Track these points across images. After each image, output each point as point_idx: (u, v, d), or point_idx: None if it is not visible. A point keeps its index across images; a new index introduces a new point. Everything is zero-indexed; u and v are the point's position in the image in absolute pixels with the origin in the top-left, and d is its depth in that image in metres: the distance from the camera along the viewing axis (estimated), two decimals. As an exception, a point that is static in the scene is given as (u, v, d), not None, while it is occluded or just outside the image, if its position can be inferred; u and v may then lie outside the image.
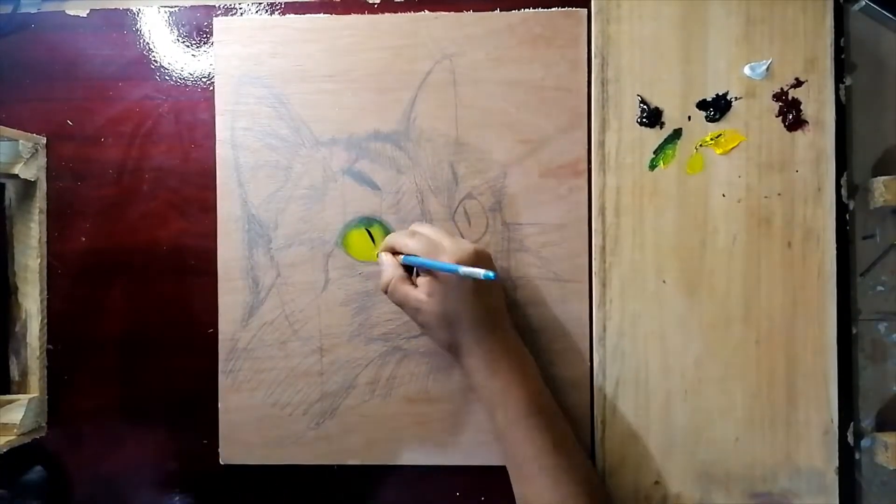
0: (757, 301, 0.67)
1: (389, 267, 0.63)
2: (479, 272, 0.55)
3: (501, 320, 0.63)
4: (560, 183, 0.69)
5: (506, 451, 0.62)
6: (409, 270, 0.64)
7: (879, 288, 0.69)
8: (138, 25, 0.72)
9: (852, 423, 0.67)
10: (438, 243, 0.61)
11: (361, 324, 0.70)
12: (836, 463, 0.66)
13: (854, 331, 0.69)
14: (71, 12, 0.72)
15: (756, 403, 0.67)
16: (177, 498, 0.71)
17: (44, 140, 0.71)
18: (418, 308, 0.61)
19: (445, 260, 0.59)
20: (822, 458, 0.66)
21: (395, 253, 0.64)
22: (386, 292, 0.64)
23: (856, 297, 0.69)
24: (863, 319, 0.69)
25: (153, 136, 0.72)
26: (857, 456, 0.68)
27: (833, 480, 0.66)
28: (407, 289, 0.62)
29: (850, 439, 0.67)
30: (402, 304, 0.63)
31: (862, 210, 0.69)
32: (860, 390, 0.69)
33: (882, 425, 0.69)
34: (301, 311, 0.70)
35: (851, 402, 0.69)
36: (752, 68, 0.66)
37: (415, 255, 0.62)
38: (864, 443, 0.69)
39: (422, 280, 0.62)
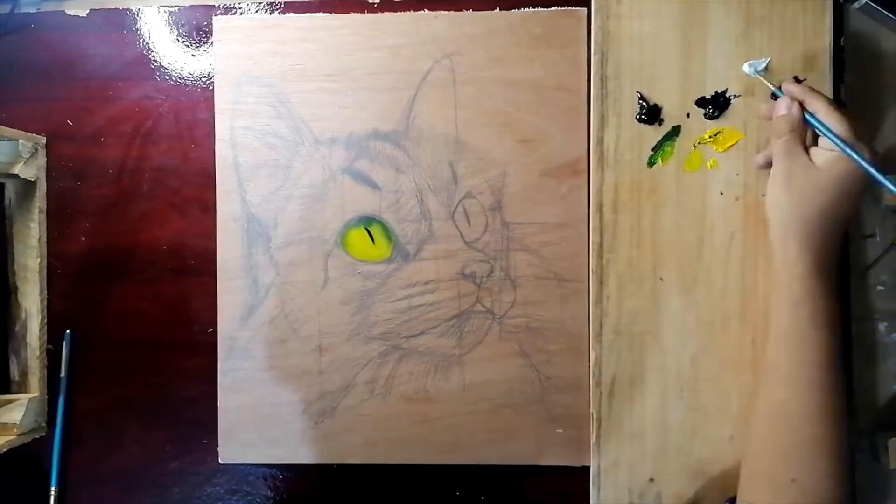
0: (754, 299, 0.66)
1: (795, 111, 0.60)
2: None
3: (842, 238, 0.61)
4: (560, 182, 0.69)
5: (787, 344, 0.58)
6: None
7: (879, 287, 0.69)
8: (138, 25, 0.72)
9: (852, 423, 0.67)
10: (857, 142, 0.57)
11: (361, 323, 0.70)
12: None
13: (854, 330, 0.69)
14: (71, 12, 0.72)
15: (752, 402, 0.66)
16: (176, 497, 0.71)
17: (44, 140, 0.72)
18: (798, 174, 0.59)
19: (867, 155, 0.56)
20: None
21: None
22: (779, 135, 0.60)
23: (856, 297, 0.69)
24: (863, 319, 0.69)
25: (153, 135, 0.72)
26: (856, 456, 0.68)
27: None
28: (801, 149, 0.59)
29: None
30: (780, 157, 0.60)
31: (862, 209, 0.69)
32: (860, 390, 0.69)
33: (882, 425, 0.69)
34: (300, 311, 0.70)
35: (851, 402, 0.68)
36: (751, 66, 0.66)
37: (837, 137, 0.57)
38: (864, 442, 0.68)
39: (824, 153, 0.58)
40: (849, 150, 0.56)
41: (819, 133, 0.59)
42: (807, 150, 0.60)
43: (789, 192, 0.59)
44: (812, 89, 0.60)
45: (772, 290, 0.61)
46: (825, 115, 0.58)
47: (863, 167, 0.55)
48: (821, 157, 0.58)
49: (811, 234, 0.58)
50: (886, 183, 0.53)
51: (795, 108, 0.60)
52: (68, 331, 0.72)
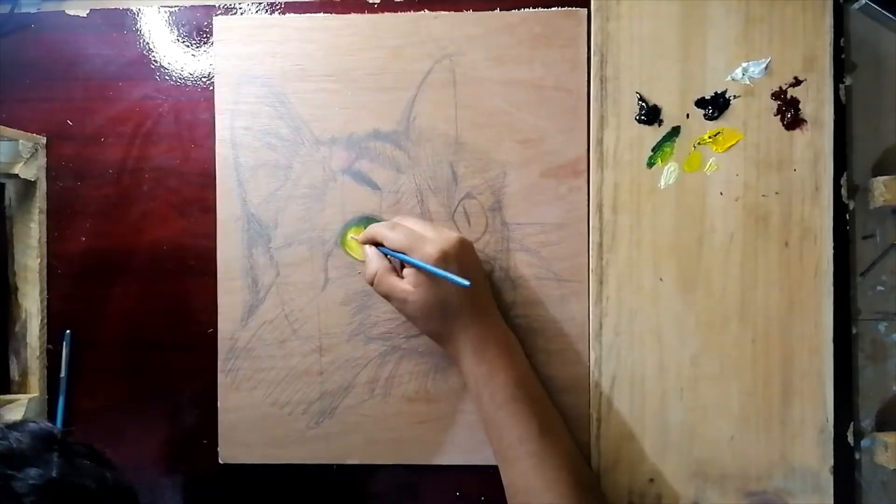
0: (753, 299, 0.66)
1: (374, 259, 0.64)
2: (456, 279, 0.57)
3: (487, 307, 0.64)
4: (560, 183, 0.69)
5: (492, 436, 0.62)
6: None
7: (879, 288, 0.69)
8: (138, 25, 0.72)
9: (852, 423, 0.67)
10: (421, 235, 0.61)
11: (361, 323, 0.70)
12: (832, 462, 0.66)
13: (854, 331, 0.69)
14: (71, 12, 0.72)
15: (751, 402, 0.66)
16: (176, 497, 0.71)
17: (44, 140, 0.72)
18: (405, 299, 0.61)
19: (429, 250, 0.59)
20: (817, 457, 0.66)
21: (377, 245, 0.65)
22: (371, 284, 0.64)
23: (856, 297, 0.69)
24: (863, 319, 0.69)
25: (153, 135, 0.72)
26: (857, 456, 0.68)
27: (828, 480, 0.66)
28: (393, 280, 0.62)
29: (850, 439, 0.67)
30: (388, 296, 0.63)
31: (862, 210, 0.69)
32: (860, 390, 0.69)
33: (882, 425, 0.69)
34: (300, 311, 0.70)
35: (851, 402, 0.68)
36: (750, 67, 0.66)
37: (398, 250, 0.62)
38: (864, 443, 0.68)
39: (408, 271, 0.62)
40: (403, 257, 0.62)
41: (396, 257, 0.63)
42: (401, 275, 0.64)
43: (416, 319, 0.64)
44: (376, 226, 0.65)
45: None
46: (382, 238, 0.63)
47: (420, 266, 0.60)
48: (406, 274, 0.63)
49: (462, 331, 0.62)
50: (441, 272, 0.59)
51: (370, 250, 0.65)
52: (68, 331, 0.72)
